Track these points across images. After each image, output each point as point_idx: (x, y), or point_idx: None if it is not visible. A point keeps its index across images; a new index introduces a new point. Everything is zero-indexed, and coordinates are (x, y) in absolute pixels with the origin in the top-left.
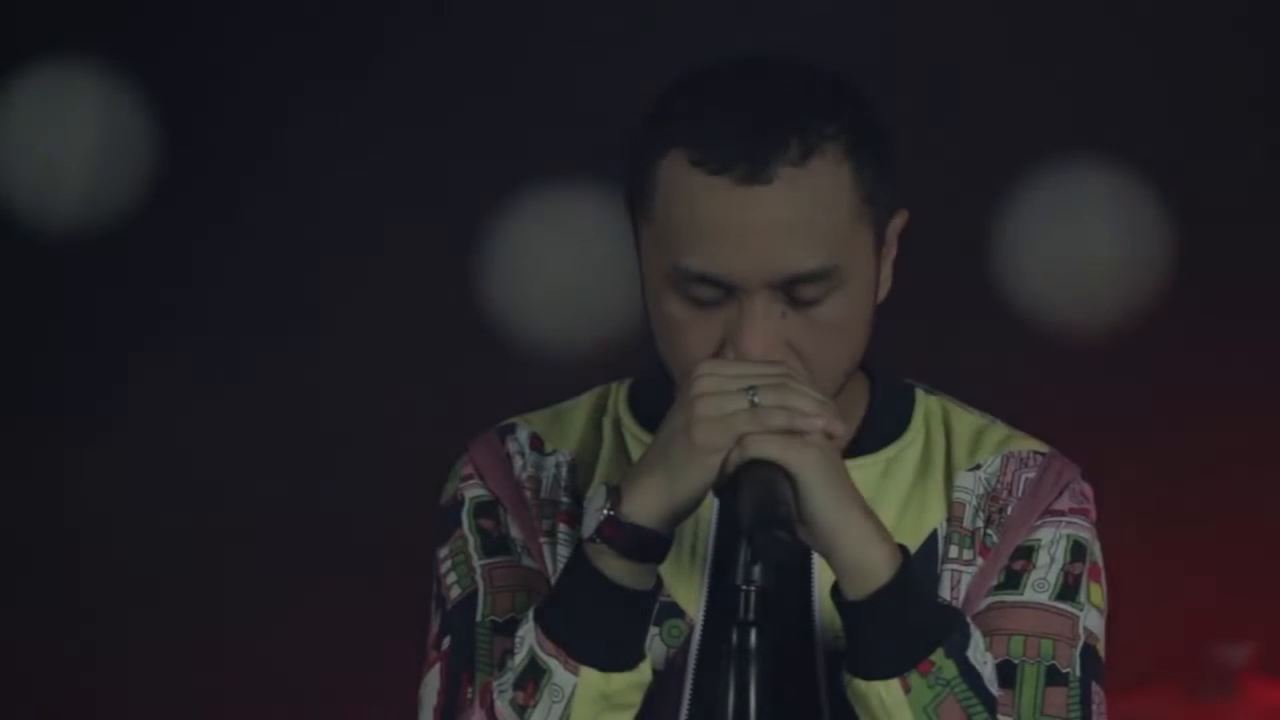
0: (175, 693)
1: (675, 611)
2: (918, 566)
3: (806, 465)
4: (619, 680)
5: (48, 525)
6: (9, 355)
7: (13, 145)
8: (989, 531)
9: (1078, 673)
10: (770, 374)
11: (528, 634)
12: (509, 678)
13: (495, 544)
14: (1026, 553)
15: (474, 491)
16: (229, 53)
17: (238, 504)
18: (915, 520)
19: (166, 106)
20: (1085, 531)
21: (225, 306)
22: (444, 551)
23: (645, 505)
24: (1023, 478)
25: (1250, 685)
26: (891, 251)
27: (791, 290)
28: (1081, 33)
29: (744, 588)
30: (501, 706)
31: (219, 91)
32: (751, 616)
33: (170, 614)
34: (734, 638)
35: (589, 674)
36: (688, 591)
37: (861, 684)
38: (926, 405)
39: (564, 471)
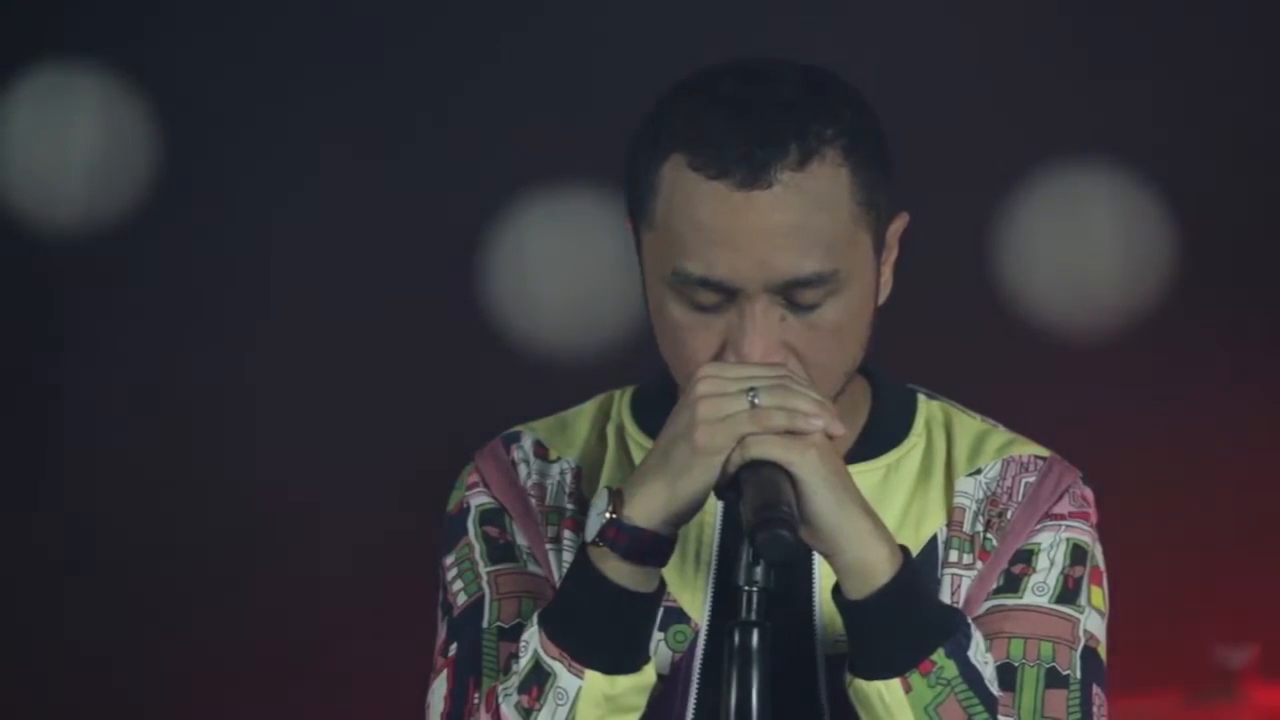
0: (175, 692)
1: (680, 617)
2: (919, 567)
3: (807, 465)
4: (623, 683)
5: (47, 524)
6: (9, 355)
7: (13, 147)
8: (988, 536)
9: (1078, 675)
10: (770, 375)
11: (532, 638)
12: (514, 681)
13: (501, 551)
14: (1026, 557)
15: (479, 499)
16: (229, 55)
17: (236, 505)
18: (916, 525)
19: (167, 109)
20: (1086, 535)
21: (224, 307)
22: (450, 559)
23: (647, 507)
24: (1023, 482)
25: (1251, 687)
26: (892, 254)
27: (791, 294)
28: (1083, 34)
29: (746, 588)
30: (507, 710)
31: (219, 93)
32: (754, 617)
33: (170, 612)
34: (736, 638)
35: (593, 677)
36: (692, 596)
37: (863, 684)
38: (928, 410)
39: (569, 478)
